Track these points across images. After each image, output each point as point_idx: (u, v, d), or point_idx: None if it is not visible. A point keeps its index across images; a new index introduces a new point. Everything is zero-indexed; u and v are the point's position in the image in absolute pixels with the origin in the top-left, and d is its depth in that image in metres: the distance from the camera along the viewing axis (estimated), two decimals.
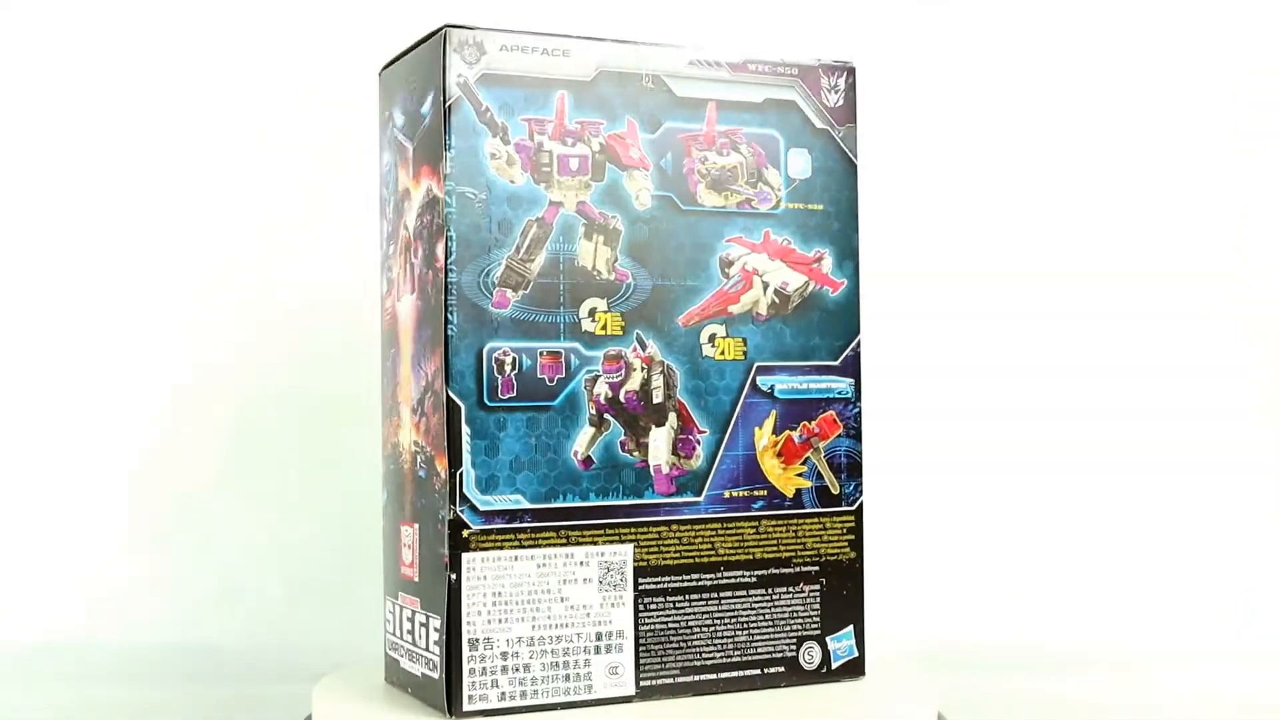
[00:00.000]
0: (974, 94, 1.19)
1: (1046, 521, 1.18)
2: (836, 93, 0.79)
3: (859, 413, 0.79)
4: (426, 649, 0.72)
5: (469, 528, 0.70)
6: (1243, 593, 1.15)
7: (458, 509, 0.70)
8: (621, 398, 0.73)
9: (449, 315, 0.70)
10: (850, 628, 0.78)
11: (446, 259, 0.70)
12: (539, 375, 0.72)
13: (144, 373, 1.12)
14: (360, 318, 1.04)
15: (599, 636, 0.72)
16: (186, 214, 1.12)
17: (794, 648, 0.77)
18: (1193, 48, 1.20)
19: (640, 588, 0.73)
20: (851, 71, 0.79)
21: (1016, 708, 0.98)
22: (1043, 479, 1.18)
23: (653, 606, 0.74)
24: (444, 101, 0.70)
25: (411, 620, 0.74)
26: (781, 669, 0.76)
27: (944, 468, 1.17)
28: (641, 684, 0.73)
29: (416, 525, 0.73)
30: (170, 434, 1.11)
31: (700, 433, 0.75)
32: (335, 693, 0.76)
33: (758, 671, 0.76)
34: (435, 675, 0.71)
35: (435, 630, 0.71)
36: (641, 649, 0.73)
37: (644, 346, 0.74)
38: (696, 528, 0.75)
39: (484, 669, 0.70)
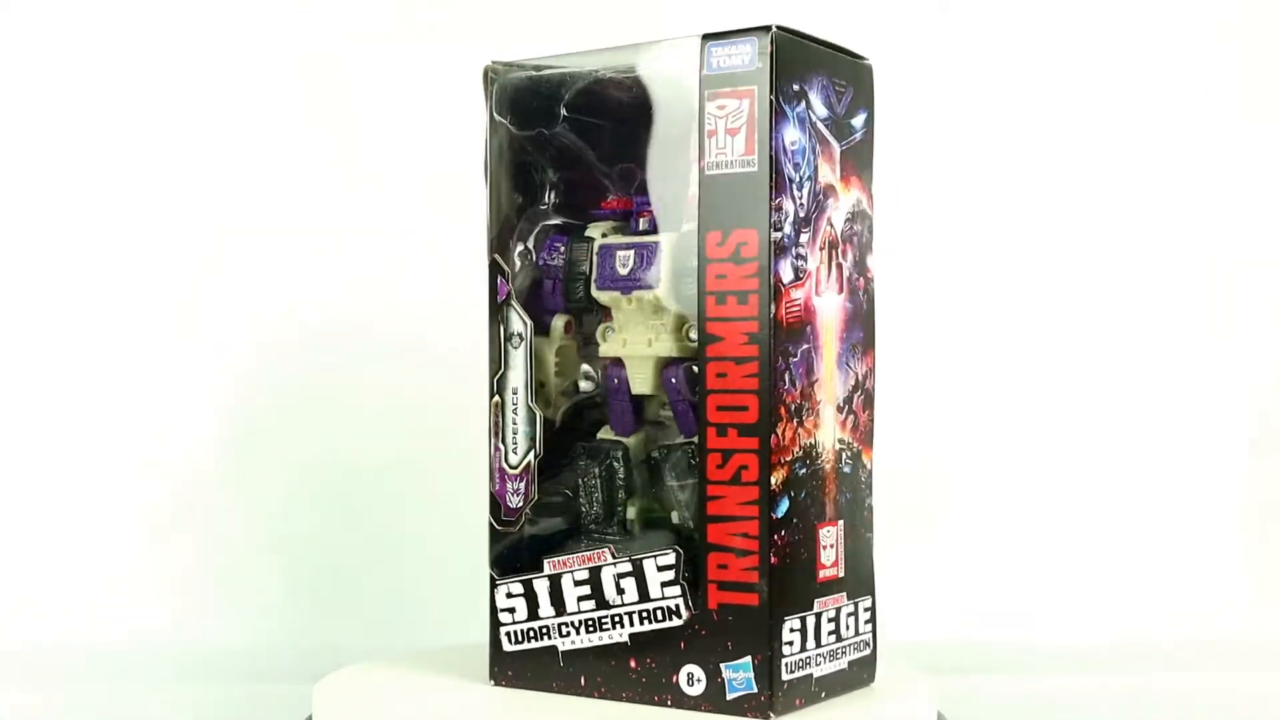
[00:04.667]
0: (977, 94, 1.18)
1: (1046, 521, 1.17)
2: None
3: None
4: (856, 634, 0.82)
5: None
6: (1242, 593, 1.16)
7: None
8: None
9: (874, 320, 0.84)
10: None
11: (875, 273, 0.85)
12: None
13: (144, 372, 1.12)
14: (363, 313, 1.06)
15: None
16: (188, 210, 1.12)
17: None
18: (1190, 50, 1.19)
19: None
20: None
21: (1016, 708, 0.99)
22: (1043, 479, 1.17)
23: None
24: (870, 121, 0.84)
25: (836, 619, 0.80)
26: None
27: (944, 468, 1.17)
28: None
29: (841, 522, 0.81)
30: (171, 434, 1.11)
31: None
32: (335, 693, 0.76)
33: None
34: (867, 653, 0.83)
35: (865, 610, 0.83)
36: None
37: None
38: None
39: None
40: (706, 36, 0.71)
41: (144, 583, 1.10)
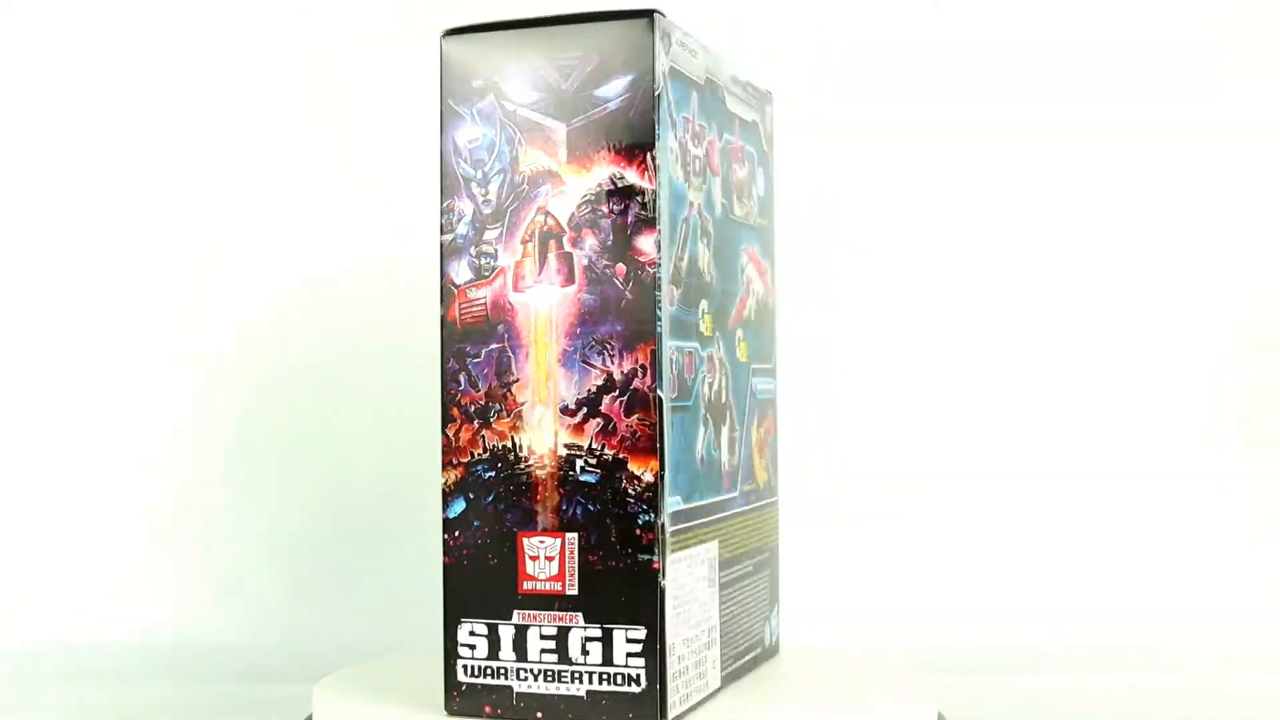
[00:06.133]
0: (976, 95, 1.19)
1: (1046, 522, 1.17)
2: (770, 120, 0.88)
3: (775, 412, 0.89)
4: (606, 664, 0.69)
5: (665, 532, 0.69)
6: (1242, 593, 1.15)
7: (665, 514, 0.69)
8: (713, 398, 0.77)
9: (658, 311, 0.69)
10: (777, 606, 0.88)
11: (657, 253, 0.69)
12: (685, 374, 0.73)
13: (144, 372, 1.12)
14: (364, 314, 1.05)
15: (708, 631, 0.75)
16: (190, 209, 1.12)
17: (762, 627, 0.85)
18: (1167, 55, 1.20)
19: (720, 581, 0.77)
20: (772, 101, 0.89)
21: (1016, 708, 0.98)
22: (1043, 480, 1.18)
23: (725, 599, 0.78)
24: (653, 90, 0.69)
25: (558, 638, 0.70)
26: (760, 649, 0.84)
27: (946, 468, 1.17)
28: (723, 674, 0.77)
29: (570, 534, 0.70)
30: (171, 434, 1.12)
31: (736, 431, 0.80)
32: (335, 693, 0.75)
33: (751, 655, 0.83)
34: (634, 689, 0.68)
35: (631, 641, 0.69)
36: (723, 640, 0.77)
37: (719, 348, 0.78)
38: (739, 521, 0.80)
39: (675, 674, 0.70)
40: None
41: (144, 583, 1.11)
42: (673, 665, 0.68)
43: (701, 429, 0.73)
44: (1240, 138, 1.18)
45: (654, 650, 0.67)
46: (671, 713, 0.68)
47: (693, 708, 0.70)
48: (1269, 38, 1.18)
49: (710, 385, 0.74)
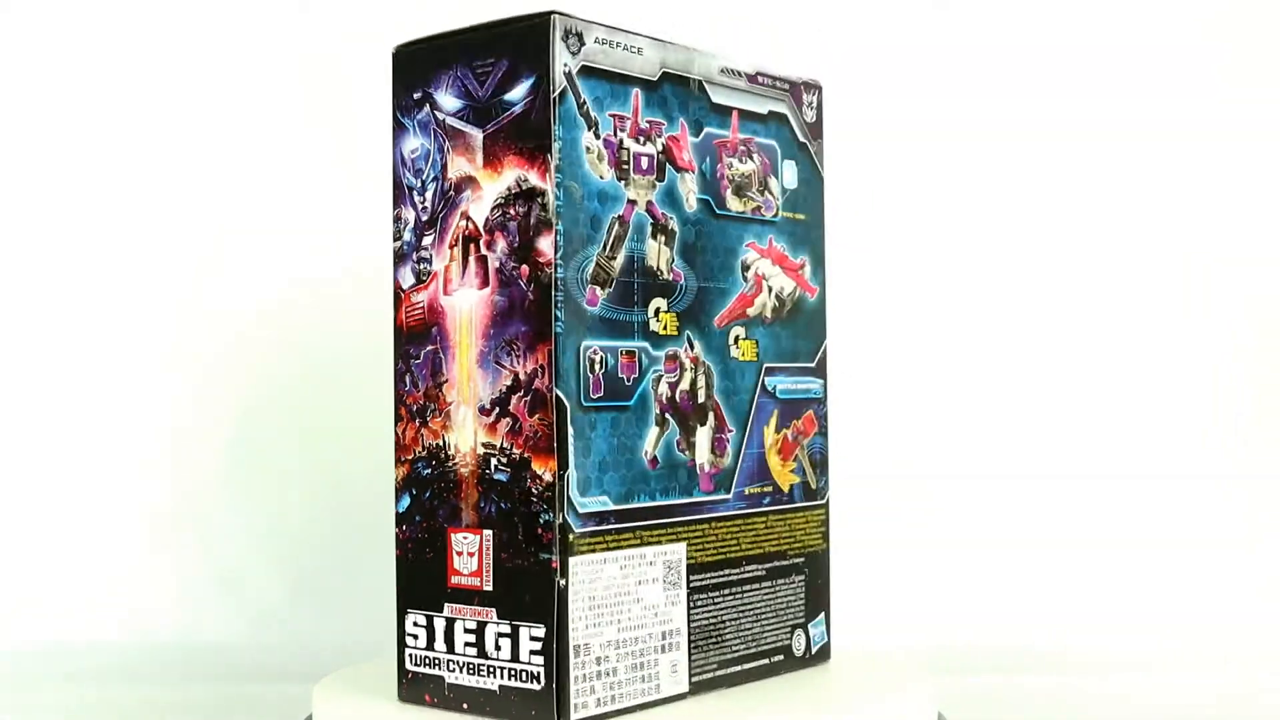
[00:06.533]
0: (977, 95, 1.19)
1: (1046, 522, 1.18)
2: (812, 109, 0.84)
3: (827, 412, 0.84)
4: (512, 660, 0.69)
5: (573, 531, 0.68)
6: (1242, 593, 1.16)
7: (565, 514, 0.68)
8: (678, 397, 0.74)
9: (557, 312, 0.68)
10: (823, 614, 0.84)
11: (555, 254, 0.68)
12: (620, 375, 0.71)
13: (144, 371, 1.11)
14: (364, 314, 1.02)
15: (664, 635, 0.73)
16: (190, 209, 1.12)
17: (789, 636, 0.81)
18: (1167, 57, 1.21)
19: (691, 585, 0.75)
20: (820, 89, 0.84)
21: (1016, 708, 0.99)
22: (1044, 480, 1.18)
23: (700, 603, 0.75)
24: (550, 91, 0.68)
25: (478, 632, 0.71)
26: (781, 657, 0.80)
27: (946, 468, 1.18)
28: (693, 680, 0.75)
29: (487, 531, 0.70)
30: (171, 434, 1.11)
31: (729, 431, 0.77)
32: (335, 693, 0.75)
33: (766, 661, 0.79)
34: (535, 687, 0.68)
35: (532, 639, 0.68)
36: (693, 645, 0.75)
37: (692, 347, 0.75)
38: (728, 524, 0.77)
39: (584, 675, 0.69)
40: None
41: (144, 583, 1.11)
42: (583, 666, 0.68)
43: (654, 429, 0.72)
44: (1240, 138, 1.18)
45: (551, 650, 0.67)
46: (580, 713, 0.68)
47: (626, 709, 0.70)
48: (1269, 38, 1.18)
49: (674, 384, 0.73)
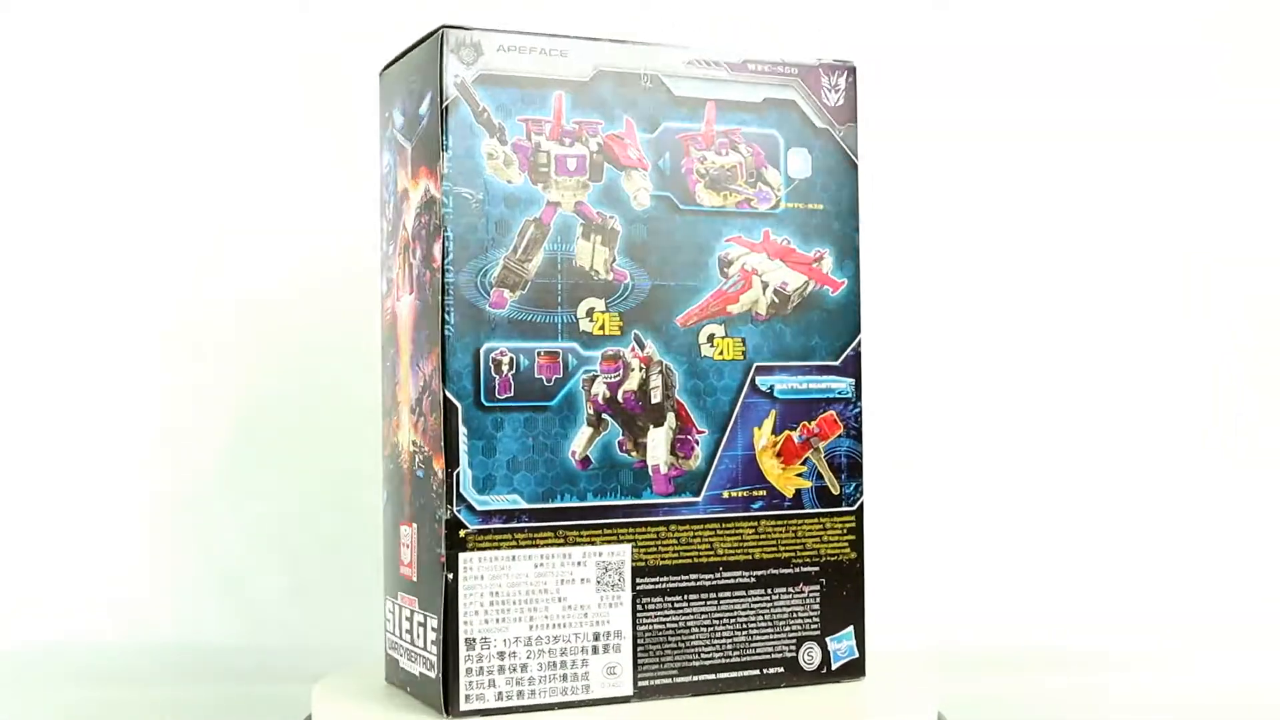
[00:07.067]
0: (977, 94, 1.19)
1: (1046, 522, 1.18)
2: (837, 92, 0.79)
3: (859, 413, 0.79)
4: (425, 648, 0.72)
5: (466, 527, 0.70)
6: (1242, 593, 1.16)
7: (455, 509, 0.70)
8: (619, 398, 0.73)
9: (445, 315, 0.70)
10: (850, 628, 0.78)
11: (444, 259, 0.70)
12: (537, 375, 0.71)
13: (144, 372, 1.11)
14: (363, 314, 1.00)
15: (596, 636, 0.72)
16: (185, 209, 1.11)
17: (794, 648, 0.76)
18: (1169, 56, 1.21)
19: (638, 588, 0.73)
20: (852, 71, 0.79)
21: (1016, 708, 0.98)
22: (1044, 480, 1.18)
23: (651, 607, 0.74)
24: (441, 103, 0.70)
25: (410, 620, 0.74)
26: (781, 669, 0.76)
27: (946, 468, 1.17)
28: (639, 684, 0.73)
29: (415, 525, 0.73)
30: (170, 433, 1.11)
31: (699, 433, 0.75)
32: (335, 693, 0.76)
33: (757, 672, 0.76)
34: (432, 675, 0.71)
35: (433, 630, 0.71)
36: (640, 649, 0.73)
37: (642, 346, 0.74)
38: (695, 528, 0.75)
39: (481, 669, 0.70)
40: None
41: (144, 583, 1.09)
42: (479, 659, 0.71)
43: (585, 429, 0.74)
44: (1240, 138, 1.20)
45: (440, 640, 0.71)
46: (474, 704, 0.71)
47: (542, 706, 0.71)
48: (1269, 38, 1.19)
49: (615, 384, 0.74)
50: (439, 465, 0.70)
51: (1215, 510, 1.18)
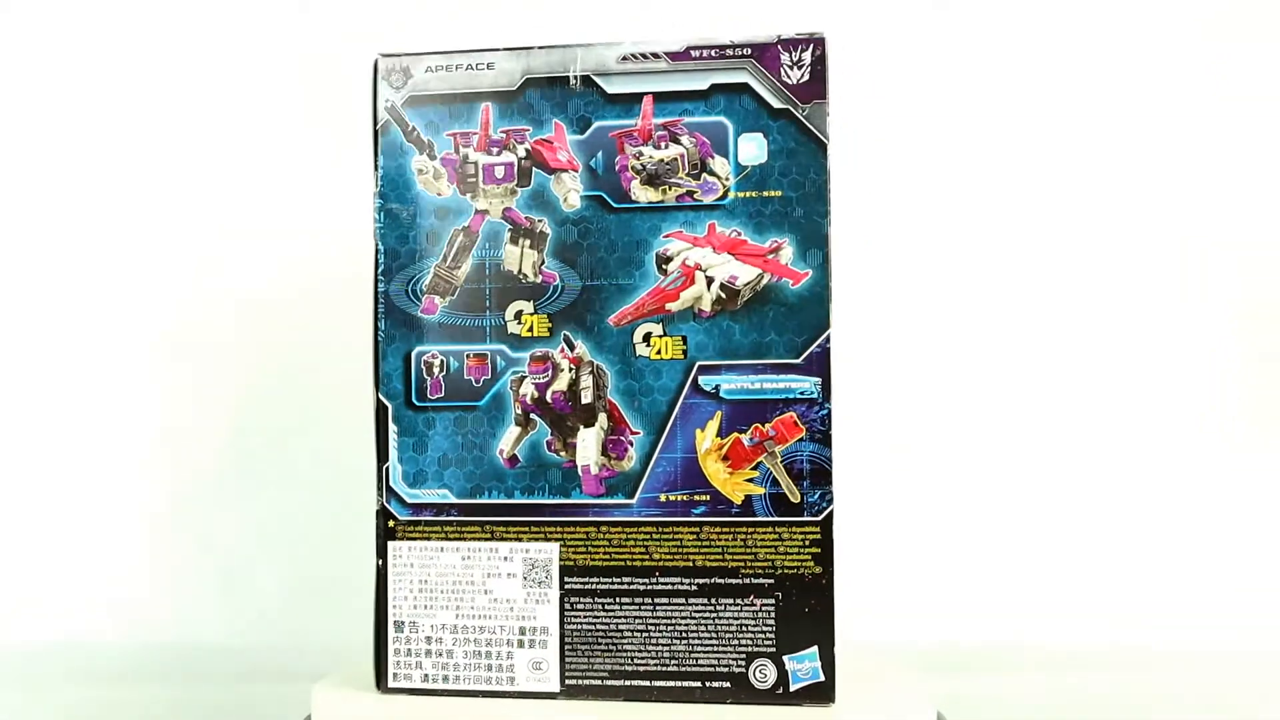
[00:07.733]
0: (965, 73, 1.13)
1: (1046, 521, 1.13)
2: (800, 68, 0.74)
3: (827, 414, 0.73)
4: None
5: (395, 518, 0.76)
6: (1242, 593, 1.10)
7: (385, 501, 0.76)
8: (549, 398, 0.75)
9: (377, 322, 0.76)
10: (814, 648, 0.73)
11: (375, 270, 0.76)
12: (466, 376, 0.76)
13: (144, 372, 1.11)
14: (363, 314, 0.98)
15: (522, 631, 0.75)
16: (185, 210, 1.12)
17: (743, 663, 0.73)
18: (1164, 49, 1.14)
19: (566, 587, 0.75)
20: (820, 43, 0.74)
21: (1016, 708, 0.98)
22: (1041, 479, 1.13)
23: (579, 606, 0.74)
24: (374, 125, 0.77)
25: None
26: (727, 684, 0.73)
27: (943, 467, 1.12)
28: (567, 682, 0.74)
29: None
30: (170, 433, 1.12)
31: (633, 434, 0.74)
32: (335, 693, 0.77)
33: (698, 684, 0.74)
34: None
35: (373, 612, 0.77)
36: (566, 647, 0.74)
37: (571, 347, 0.75)
38: (628, 530, 0.74)
39: (409, 650, 0.76)
40: None
41: (144, 582, 1.10)
42: (407, 642, 0.78)
43: (513, 429, 0.78)
44: (1235, 119, 1.14)
45: (374, 622, 0.79)
46: (401, 683, 0.77)
47: (467, 692, 0.75)
48: (1269, 38, 1.15)
49: (544, 385, 0.78)
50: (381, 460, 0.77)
51: (1214, 505, 1.12)
